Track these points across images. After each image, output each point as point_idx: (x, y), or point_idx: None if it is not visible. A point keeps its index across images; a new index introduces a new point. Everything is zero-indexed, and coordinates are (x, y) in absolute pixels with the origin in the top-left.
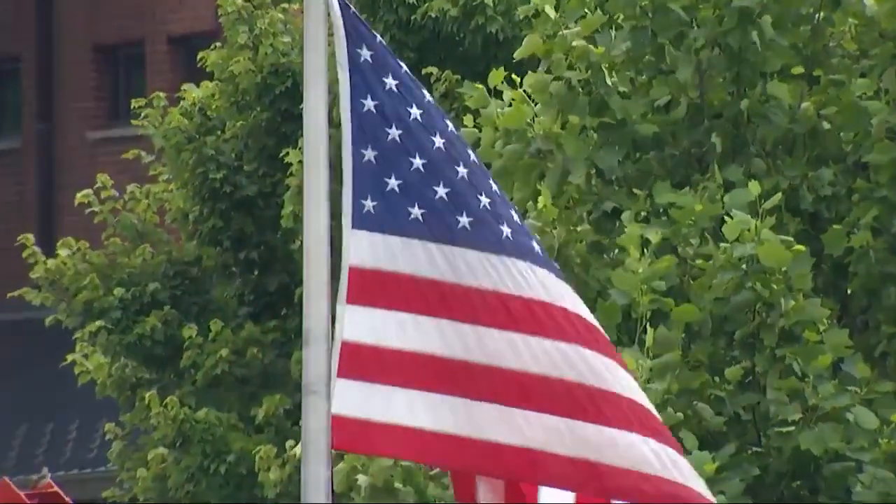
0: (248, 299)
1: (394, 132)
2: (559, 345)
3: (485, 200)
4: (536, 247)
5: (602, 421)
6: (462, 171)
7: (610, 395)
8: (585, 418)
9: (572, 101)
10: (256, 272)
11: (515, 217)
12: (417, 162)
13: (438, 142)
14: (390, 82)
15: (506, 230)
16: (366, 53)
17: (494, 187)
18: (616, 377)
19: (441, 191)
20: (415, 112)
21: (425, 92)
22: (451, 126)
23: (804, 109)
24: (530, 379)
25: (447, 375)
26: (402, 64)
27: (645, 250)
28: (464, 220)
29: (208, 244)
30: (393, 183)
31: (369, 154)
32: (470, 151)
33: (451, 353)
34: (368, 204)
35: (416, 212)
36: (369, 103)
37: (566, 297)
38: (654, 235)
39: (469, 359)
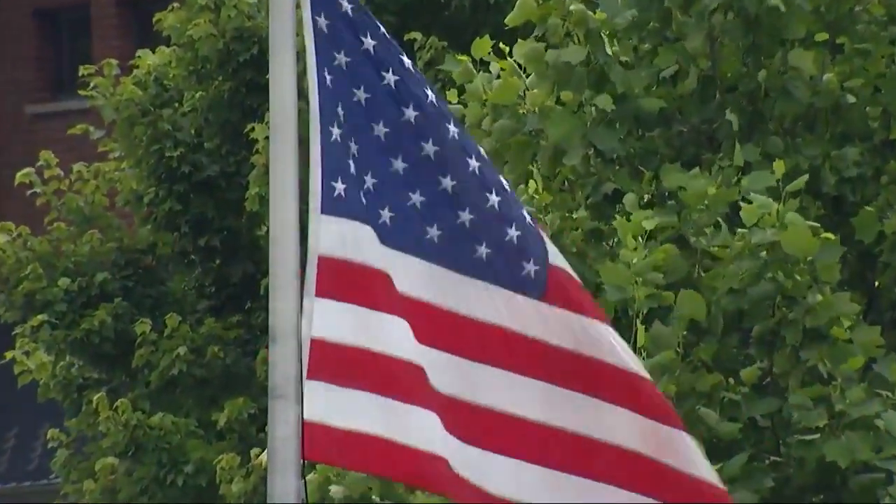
0: (209, 291)
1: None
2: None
3: (448, 183)
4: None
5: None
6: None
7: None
8: (574, 428)
9: (569, 72)
10: (218, 261)
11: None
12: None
13: (410, 114)
14: (368, 42)
15: (482, 249)
16: (338, 14)
17: (473, 166)
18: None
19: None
20: (389, 77)
21: (405, 59)
22: (431, 97)
23: (826, 81)
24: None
25: (418, 384)
26: (381, 27)
27: (641, 239)
28: (433, 231)
29: (164, 229)
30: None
31: (336, 132)
32: (451, 126)
33: (421, 360)
34: (339, 187)
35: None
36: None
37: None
38: (649, 222)
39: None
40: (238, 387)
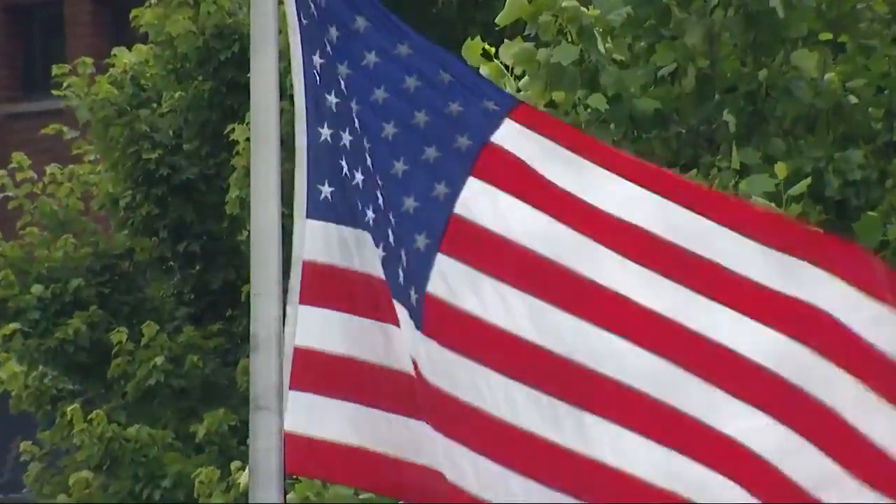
0: (188, 298)
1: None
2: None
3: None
4: None
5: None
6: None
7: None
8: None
9: (561, 72)
10: (197, 267)
11: None
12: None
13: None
14: (361, 22)
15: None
16: (320, 7)
17: None
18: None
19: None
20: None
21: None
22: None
23: (828, 81)
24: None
25: (406, 393)
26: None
27: None
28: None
29: (141, 234)
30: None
31: (326, 132)
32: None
33: (410, 369)
34: (325, 190)
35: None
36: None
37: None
38: None
39: (430, 379)
40: (218, 398)
